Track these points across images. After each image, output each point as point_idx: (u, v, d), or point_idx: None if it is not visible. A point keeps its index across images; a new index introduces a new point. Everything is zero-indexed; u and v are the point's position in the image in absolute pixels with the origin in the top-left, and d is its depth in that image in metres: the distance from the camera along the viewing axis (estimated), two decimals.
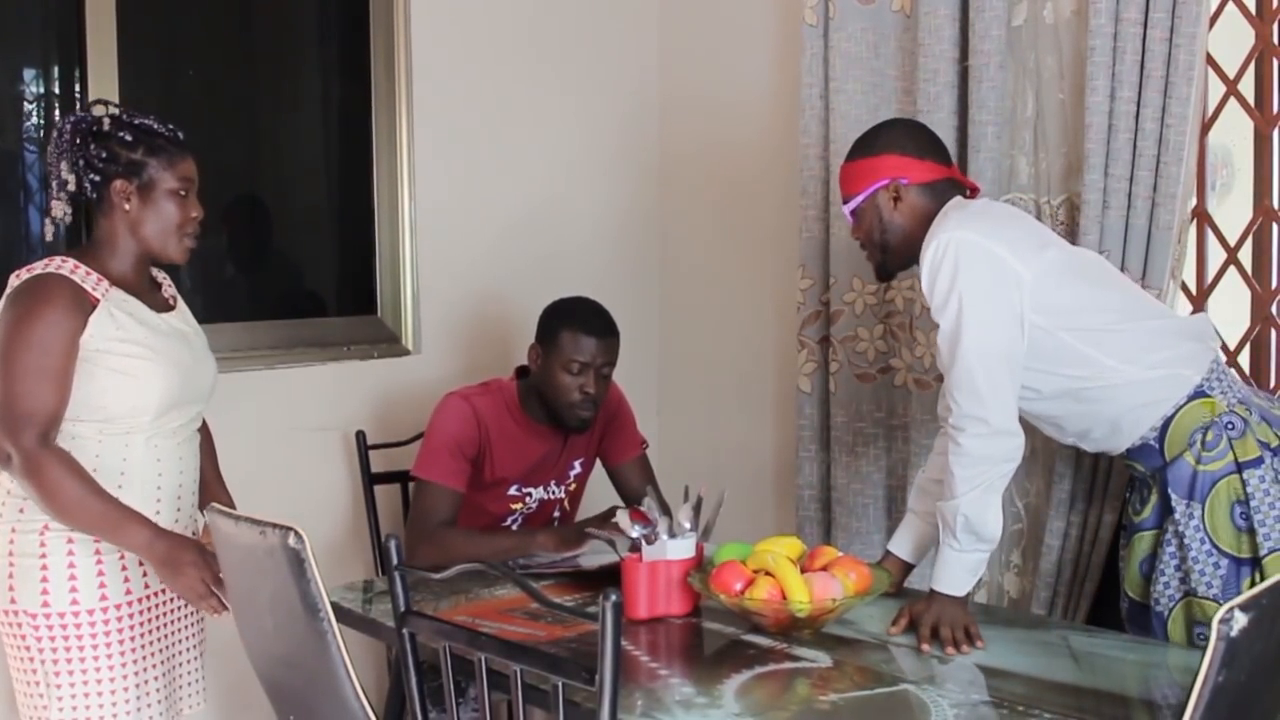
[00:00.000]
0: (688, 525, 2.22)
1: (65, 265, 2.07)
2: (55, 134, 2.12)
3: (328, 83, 3.25)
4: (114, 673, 2.08)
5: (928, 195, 2.19)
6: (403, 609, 1.75)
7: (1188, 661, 1.84)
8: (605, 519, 2.45)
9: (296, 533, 1.72)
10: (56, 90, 2.78)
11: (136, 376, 2.08)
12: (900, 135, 2.24)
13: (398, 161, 3.15)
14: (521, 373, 2.72)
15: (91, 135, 2.09)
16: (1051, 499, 2.63)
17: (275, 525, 1.75)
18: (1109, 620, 2.33)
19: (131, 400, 2.09)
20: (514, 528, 2.69)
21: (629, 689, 1.82)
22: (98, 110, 2.12)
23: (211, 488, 2.32)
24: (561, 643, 2.04)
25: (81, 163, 2.09)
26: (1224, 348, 2.60)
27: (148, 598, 2.15)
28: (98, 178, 2.09)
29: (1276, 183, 2.60)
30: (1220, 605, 2.00)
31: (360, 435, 3.00)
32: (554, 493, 2.75)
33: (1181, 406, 2.08)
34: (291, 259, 3.23)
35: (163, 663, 2.17)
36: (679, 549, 2.21)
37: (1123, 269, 2.52)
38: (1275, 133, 2.58)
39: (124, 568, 2.11)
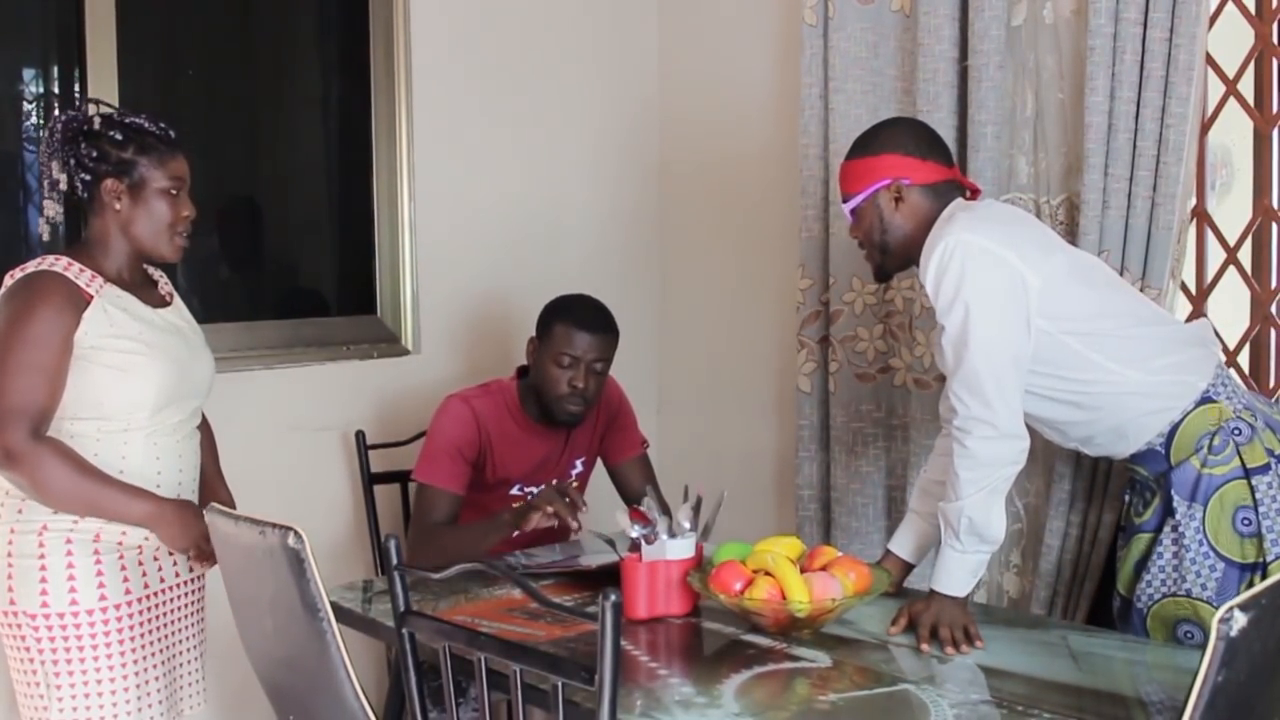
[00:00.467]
0: (687, 525, 2.22)
1: (59, 263, 2.07)
2: (47, 133, 2.12)
3: (327, 82, 3.25)
4: (114, 673, 2.08)
5: (930, 197, 2.17)
6: (402, 609, 1.75)
7: (1187, 661, 1.84)
8: (558, 493, 2.41)
9: (296, 533, 1.72)
10: (56, 90, 2.78)
11: (132, 372, 2.08)
12: (903, 135, 2.22)
13: (398, 161, 3.15)
14: (523, 373, 2.73)
15: (82, 134, 2.10)
16: (1051, 499, 2.63)
17: (275, 525, 1.75)
18: (1109, 620, 2.33)
19: (127, 396, 2.09)
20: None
21: (628, 689, 1.82)
22: (89, 110, 2.12)
23: (211, 485, 2.32)
24: (561, 643, 2.04)
25: (72, 162, 2.09)
26: (1223, 348, 2.60)
27: (147, 597, 2.15)
28: (89, 177, 2.09)
29: (1276, 182, 2.60)
30: (1213, 608, 2.01)
31: (360, 435, 3.00)
32: None
33: (1189, 412, 2.08)
34: (291, 259, 3.23)
35: (163, 663, 2.17)
36: (678, 549, 2.21)
37: (1123, 269, 2.52)
38: (1275, 132, 2.59)
39: (123, 567, 2.11)
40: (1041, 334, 2.05)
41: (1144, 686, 1.90)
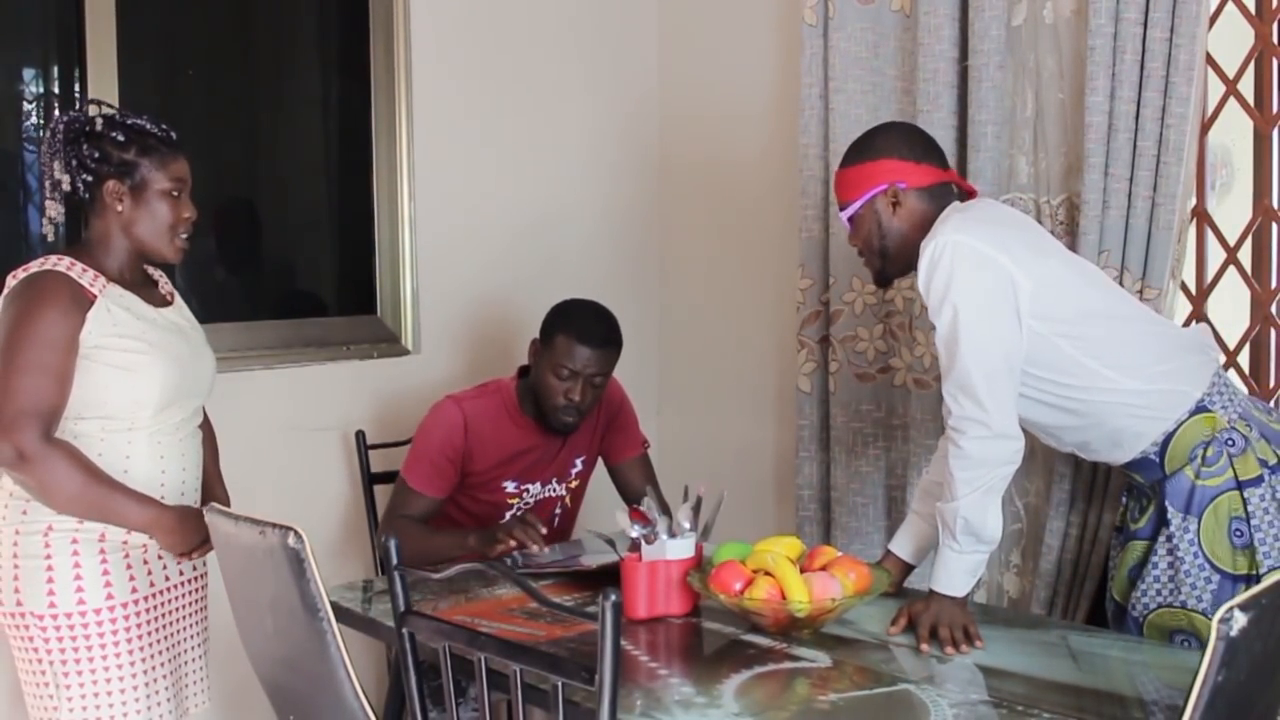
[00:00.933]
0: (687, 525, 2.22)
1: (62, 263, 2.07)
2: (48, 134, 2.12)
3: (327, 82, 3.25)
4: (123, 671, 2.09)
5: (926, 199, 2.17)
6: (402, 609, 1.75)
7: (1187, 661, 1.84)
8: (520, 521, 2.50)
9: (296, 532, 1.72)
10: (56, 90, 2.78)
11: (135, 371, 2.08)
12: (897, 139, 2.21)
13: (398, 161, 3.15)
14: (524, 371, 2.73)
15: (84, 135, 2.10)
16: (1051, 499, 2.64)
17: (275, 525, 1.75)
18: (1108, 620, 2.33)
19: (131, 395, 2.09)
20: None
21: (628, 689, 1.82)
22: (90, 110, 2.12)
23: (209, 484, 2.32)
24: (561, 643, 2.04)
25: (74, 163, 2.09)
26: (1223, 349, 2.60)
27: (153, 595, 2.15)
28: (90, 178, 2.09)
29: (1276, 182, 2.60)
30: (1208, 619, 2.01)
31: (360, 435, 3.00)
32: (554, 490, 2.76)
33: (1183, 422, 2.07)
34: (291, 259, 3.23)
35: (169, 661, 2.18)
36: (678, 549, 2.21)
37: (1123, 269, 2.52)
38: (1275, 132, 2.58)
39: (129, 566, 2.11)
40: (1034, 335, 2.05)
41: (1144, 686, 1.90)
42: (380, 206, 3.17)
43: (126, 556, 2.11)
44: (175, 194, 2.14)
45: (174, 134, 2.16)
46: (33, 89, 2.78)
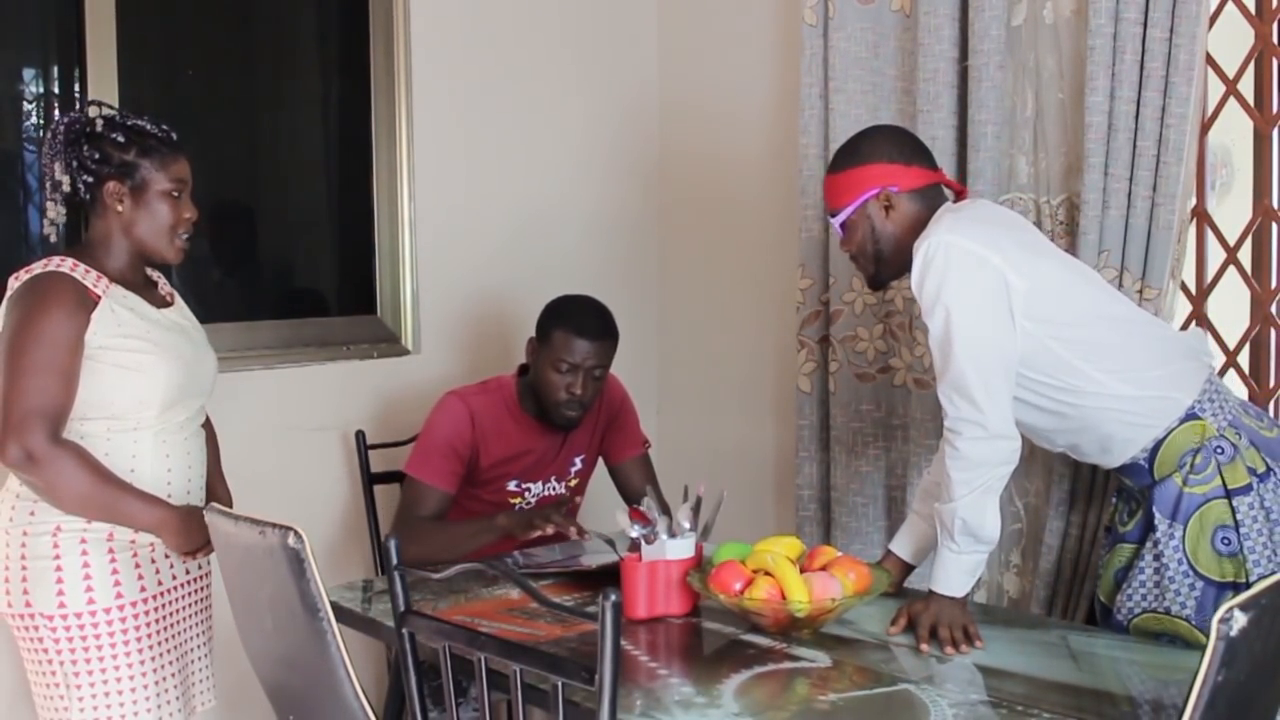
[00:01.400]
0: (687, 525, 2.22)
1: (65, 264, 2.07)
2: (49, 135, 2.12)
3: (327, 82, 3.25)
4: (133, 670, 2.09)
5: (918, 201, 2.16)
6: (402, 609, 1.75)
7: (1186, 662, 1.84)
8: (559, 507, 2.53)
9: (296, 532, 1.72)
10: (56, 90, 2.78)
11: (140, 371, 2.09)
12: (886, 142, 2.20)
13: (397, 162, 3.15)
14: (523, 370, 2.73)
15: (84, 136, 2.10)
16: (1051, 499, 2.63)
17: (275, 525, 1.75)
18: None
19: (136, 395, 2.09)
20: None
21: (628, 689, 1.82)
22: (91, 111, 2.12)
23: (211, 483, 2.32)
24: (561, 643, 2.04)
25: (74, 164, 2.09)
26: (1223, 349, 2.60)
27: (160, 594, 2.16)
28: (90, 179, 2.10)
29: (1276, 182, 2.60)
30: (1192, 625, 2.00)
31: (360, 435, 3.00)
32: (555, 489, 2.76)
33: (1173, 430, 2.06)
34: (291, 259, 3.23)
35: (178, 659, 2.19)
36: (678, 549, 2.21)
37: (1123, 269, 2.52)
38: (1275, 132, 2.58)
39: (137, 565, 2.12)
40: (1026, 336, 2.04)
41: (1143, 686, 1.90)
42: (380, 206, 3.17)
43: (135, 555, 2.11)
44: (176, 195, 2.14)
45: (174, 134, 2.16)
46: (33, 89, 2.78)
